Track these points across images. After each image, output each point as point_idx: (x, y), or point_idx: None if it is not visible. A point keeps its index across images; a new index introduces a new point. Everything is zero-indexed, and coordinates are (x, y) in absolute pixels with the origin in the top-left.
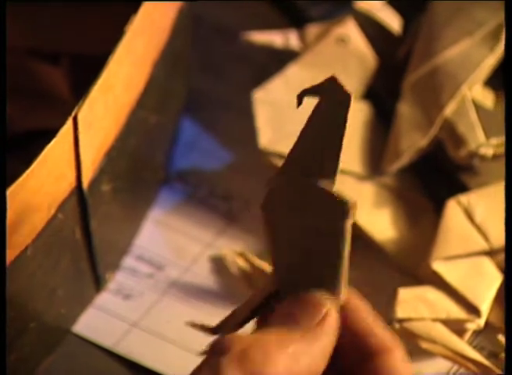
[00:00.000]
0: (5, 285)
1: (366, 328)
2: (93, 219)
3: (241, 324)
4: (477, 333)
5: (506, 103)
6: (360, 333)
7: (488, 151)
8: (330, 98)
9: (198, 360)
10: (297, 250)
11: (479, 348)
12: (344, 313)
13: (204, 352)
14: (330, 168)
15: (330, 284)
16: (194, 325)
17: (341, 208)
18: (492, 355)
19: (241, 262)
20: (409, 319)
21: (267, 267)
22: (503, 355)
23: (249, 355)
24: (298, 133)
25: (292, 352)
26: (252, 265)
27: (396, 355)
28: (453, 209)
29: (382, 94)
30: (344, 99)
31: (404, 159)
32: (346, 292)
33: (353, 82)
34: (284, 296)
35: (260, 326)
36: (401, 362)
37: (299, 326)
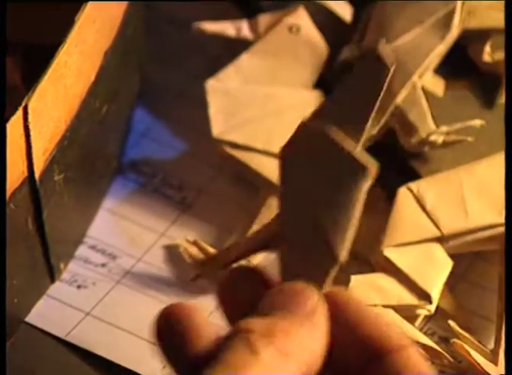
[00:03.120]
0: (5, 283)
1: (364, 322)
2: (45, 209)
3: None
4: (427, 318)
5: (506, 102)
6: (359, 327)
7: (438, 138)
8: (369, 65)
9: (151, 348)
10: (307, 204)
11: (430, 334)
12: (335, 305)
13: (225, 337)
14: (357, 131)
15: (334, 242)
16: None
17: (361, 171)
18: (442, 341)
19: (194, 251)
20: None
21: (220, 256)
22: (453, 340)
23: (273, 333)
24: (252, 121)
25: (302, 335)
26: (205, 254)
27: (410, 351)
28: (404, 197)
29: (334, 83)
30: (383, 69)
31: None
32: (345, 256)
33: (304, 71)
34: (284, 244)
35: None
36: (417, 357)
37: (293, 315)
